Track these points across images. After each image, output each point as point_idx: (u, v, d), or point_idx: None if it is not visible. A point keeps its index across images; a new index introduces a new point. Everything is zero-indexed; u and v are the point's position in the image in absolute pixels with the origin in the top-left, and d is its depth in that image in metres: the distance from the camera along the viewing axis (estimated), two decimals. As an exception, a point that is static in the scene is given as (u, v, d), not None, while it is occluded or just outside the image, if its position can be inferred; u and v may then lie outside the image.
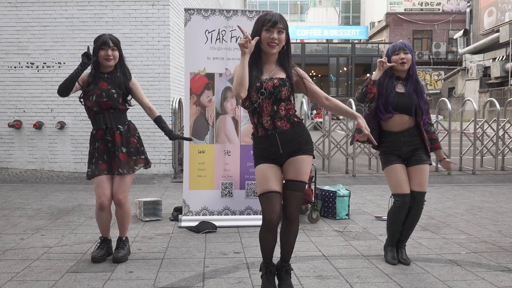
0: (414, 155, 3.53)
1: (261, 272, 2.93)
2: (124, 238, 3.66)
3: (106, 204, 3.51)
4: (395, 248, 3.60)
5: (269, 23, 2.73)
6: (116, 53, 3.52)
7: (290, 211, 2.82)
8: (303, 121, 2.96)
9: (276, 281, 2.91)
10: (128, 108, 3.67)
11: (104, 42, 3.47)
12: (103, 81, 3.52)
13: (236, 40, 4.65)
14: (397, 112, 3.46)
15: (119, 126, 3.53)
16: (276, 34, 2.74)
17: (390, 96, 3.45)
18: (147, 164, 3.65)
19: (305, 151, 2.83)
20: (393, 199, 3.56)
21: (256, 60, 2.81)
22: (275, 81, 2.77)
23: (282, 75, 2.82)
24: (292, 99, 2.86)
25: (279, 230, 2.85)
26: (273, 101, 2.77)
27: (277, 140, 2.79)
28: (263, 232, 2.82)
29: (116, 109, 3.52)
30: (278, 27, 2.74)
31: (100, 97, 3.45)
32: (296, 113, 2.91)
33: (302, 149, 2.83)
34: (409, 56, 3.46)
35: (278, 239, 2.89)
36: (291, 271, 2.94)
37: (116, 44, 3.52)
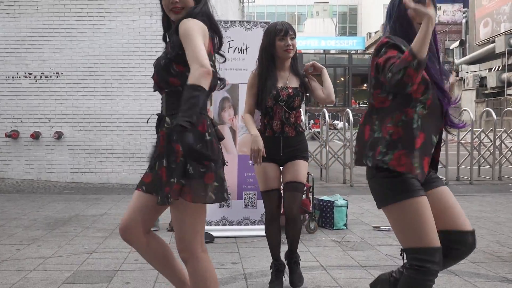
0: (431, 174, 2.17)
1: (271, 270, 3.19)
2: None
3: (124, 230, 2.11)
4: None
5: (281, 32, 3.02)
6: None
7: (293, 213, 3.04)
8: (302, 125, 3.28)
9: (286, 279, 3.18)
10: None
11: None
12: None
13: (234, 51, 4.67)
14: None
15: (167, 119, 2.07)
16: (290, 41, 3.03)
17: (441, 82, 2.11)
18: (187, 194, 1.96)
19: (302, 157, 3.13)
20: (407, 259, 2.01)
21: (271, 68, 3.07)
22: (290, 90, 3.06)
23: (296, 84, 3.11)
24: (301, 107, 3.16)
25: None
26: (286, 109, 3.05)
27: (280, 143, 3.07)
28: (268, 225, 3.15)
29: (167, 87, 2.08)
30: (290, 34, 3.04)
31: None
32: (301, 123, 3.21)
33: (300, 155, 3.13)
34: None
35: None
36: (299, 261, 3.23)
37: None
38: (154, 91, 2.16)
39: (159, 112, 2.14)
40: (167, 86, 2.07)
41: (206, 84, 1.79)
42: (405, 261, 2.02)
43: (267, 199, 3.11)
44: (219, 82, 2.16)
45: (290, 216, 3.05)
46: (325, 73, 3.19)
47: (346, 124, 9.33)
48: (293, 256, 3.18)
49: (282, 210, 3.20)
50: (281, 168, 3.18)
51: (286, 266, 3.23)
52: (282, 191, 3.20)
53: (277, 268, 3.15)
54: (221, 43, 2.18)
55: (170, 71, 2.03)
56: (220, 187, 1.99)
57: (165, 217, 5.28)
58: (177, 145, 1.89)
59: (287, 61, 3.10)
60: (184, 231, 2.00)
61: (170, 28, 2.16)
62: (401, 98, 1.99)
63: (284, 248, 3.23)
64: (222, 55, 2.23)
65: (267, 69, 3.05)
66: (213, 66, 2.08)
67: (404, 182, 1.96)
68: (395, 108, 2.00)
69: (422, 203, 1.95)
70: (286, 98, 3.03)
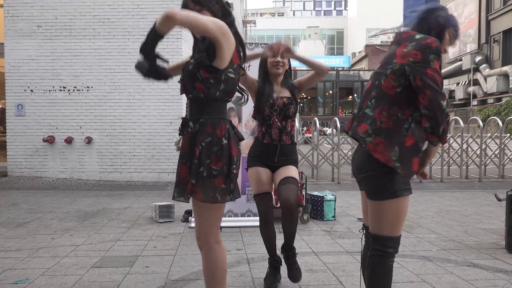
0: None
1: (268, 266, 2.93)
2: None
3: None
4: None
5: None
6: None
7: (290, 202, 2.63)
8: (295, 136, 3.09)
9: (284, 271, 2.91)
10: (220, 95, 1.92)
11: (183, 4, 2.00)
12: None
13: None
14: None
15: (190, 123, 1.95)
16: (280, 58, 2.82)
17: None
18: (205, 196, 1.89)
19: (293, 164, 2.91)
20: (373, 244, 1.94)
21: (266, 82, 2.91)
22: (285, 99, 2.86)
23: (289, 95, 2.89)
24: (296, 116, 2.93)
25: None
26: (282, 117, 2.84)
27: (277, 150, 2.83)
28: (262, 227, 2.84)
29: (192, 92, 1.94)
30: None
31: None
32: (294, 133, 2.99)
33: (292, 163, 2.90)
34: None
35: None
36: (296, 254, 2.87)
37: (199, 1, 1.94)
38: (181, 94, 2.01)
39: (184, 116, 2.01)
40: (193, 90, 1.90)
41: (160, 24, 1.75)
42: (364, 236, 2.03)
43: (260, 202, 2.79)
44: (242, 95, 2.12)
45: (287, 205, 2.63)
46: (297, 54, 2.75)
47: (334, 130, 9.31)
48: (290, 251, 2.82)
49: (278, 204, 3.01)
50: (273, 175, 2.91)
51: (282, 259, 2.94)
52: (273, 194, 2.92)
53: (274, 265, 2.87)
54: (241, 56, 2.01)
55: (197, 75, 1.87)
56: (226, 189, 1.88)
57: (180, 209, 5.27)
58: (195, 147, 1.87)
59: (279, 77, 2.91)
60: (200, 222, 1.95)
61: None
62: (406, 97, 1.79)
63: (280, 242, 2.91)
64: (242, 69, 2.07)
65: (263, 82, 2.92)
66: (234, 74, 1.93)
67: (403, 179, 1.85)
68: (396, 102, 1.79)
69: (408, 200, 1.91)
70: (282, 106, 2.82)
